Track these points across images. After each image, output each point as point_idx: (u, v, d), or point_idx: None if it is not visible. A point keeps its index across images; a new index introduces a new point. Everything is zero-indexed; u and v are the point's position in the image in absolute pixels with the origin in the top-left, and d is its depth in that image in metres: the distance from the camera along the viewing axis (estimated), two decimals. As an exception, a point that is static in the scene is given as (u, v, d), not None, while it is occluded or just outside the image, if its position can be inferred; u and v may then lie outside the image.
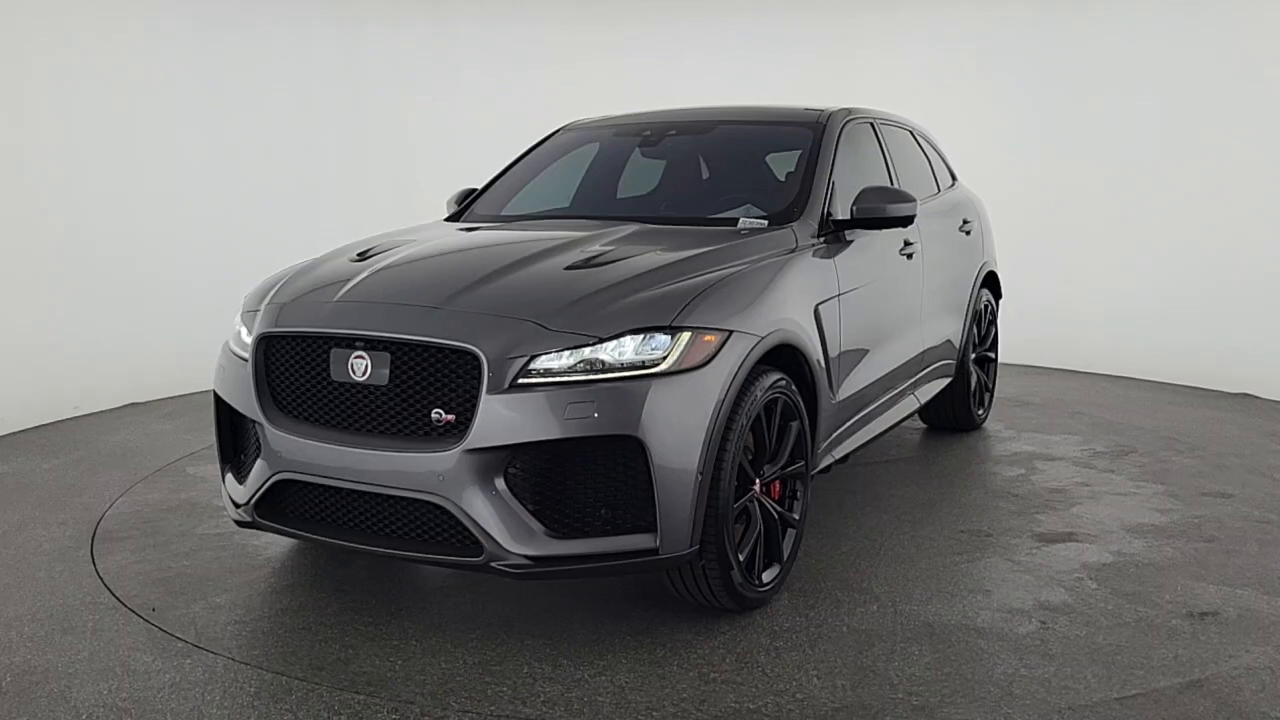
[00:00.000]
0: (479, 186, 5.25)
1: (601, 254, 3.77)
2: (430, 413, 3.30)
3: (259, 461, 3.63)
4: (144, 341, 7.19)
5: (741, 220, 4.27)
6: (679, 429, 3.26)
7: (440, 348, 3.29)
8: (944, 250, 5.59)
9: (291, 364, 3.57)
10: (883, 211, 4.36)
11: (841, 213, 4.44)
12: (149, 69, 7.27)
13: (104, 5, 7.03)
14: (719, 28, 9.16)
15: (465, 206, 5.08)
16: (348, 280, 3.71)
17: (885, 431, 4.90)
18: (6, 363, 6.49)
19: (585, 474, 3.26)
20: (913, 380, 5.19)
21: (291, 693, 3.11)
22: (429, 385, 3.31)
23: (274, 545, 4.36)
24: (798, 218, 4.27)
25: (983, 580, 3.98)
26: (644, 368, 3.26)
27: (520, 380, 3.21)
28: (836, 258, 4.29)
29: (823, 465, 4.25)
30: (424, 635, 3.53)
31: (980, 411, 6.37)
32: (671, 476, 3.24)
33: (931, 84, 8.71)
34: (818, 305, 4.05)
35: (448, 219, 5.02)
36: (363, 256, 4.02)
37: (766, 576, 3.71)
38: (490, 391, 3.20)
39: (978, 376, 6.28)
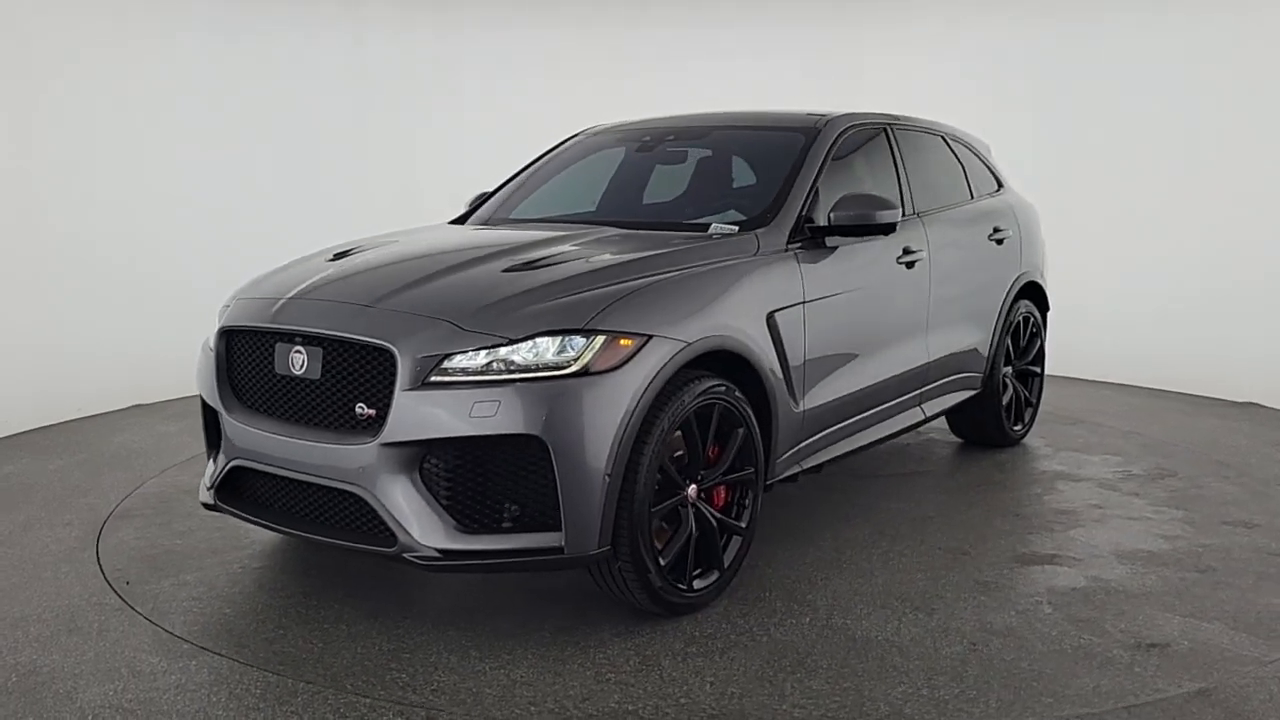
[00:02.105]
0: (489, 190, 5.38)
1: (548, 257, 3.84)
2: (355, 406, 3.44)
3: (221, 450, 3.86)
4: (149, 342, 7.16)
5: (713, 225, 4.26)
6: (587, 430, 3.29)
7: (362, 344, 3.43)
8: (964, 259, 5.43)
9: (246, 357, 3.78)
10: (859, 219, 4.28)
11: (825, 220, 4.38)
12: (151, 71, 7.36)
13: (107, 8, 7.16)
14: (725, 32, 9.10)
15: (472, 209, 5.22)
16: (307, 279, 3.89)
17: (876, 443, 4.79)
18: (10, 363, 6.50)
19: (495, 471, 3.33)
20: (916, 392, 5.05)
21: (297, 695, 3.15)
22: (354, 380, 3.45)
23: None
24: (769, 224, 4.24)
25: (933, 599, 3.86)
26: (555, 369, 3.32)
27: (433, 378, 3.31)
28: (806, 265, 4.23)
29: (786, 474, 4.20)
30: (356, 621, 3.67)
31: (1018, 427, 6.13)
32: (578, 476, 3.29)
33: (939, 88, 8.58)
34: (773, 312, 4.00)
35: (452, 221, 5.17)
36: (338, 257, 4.20)
37: (699, 583, 3.70)
38: (405, 388, 3.31)
39: (1014, 391, 6.06)
